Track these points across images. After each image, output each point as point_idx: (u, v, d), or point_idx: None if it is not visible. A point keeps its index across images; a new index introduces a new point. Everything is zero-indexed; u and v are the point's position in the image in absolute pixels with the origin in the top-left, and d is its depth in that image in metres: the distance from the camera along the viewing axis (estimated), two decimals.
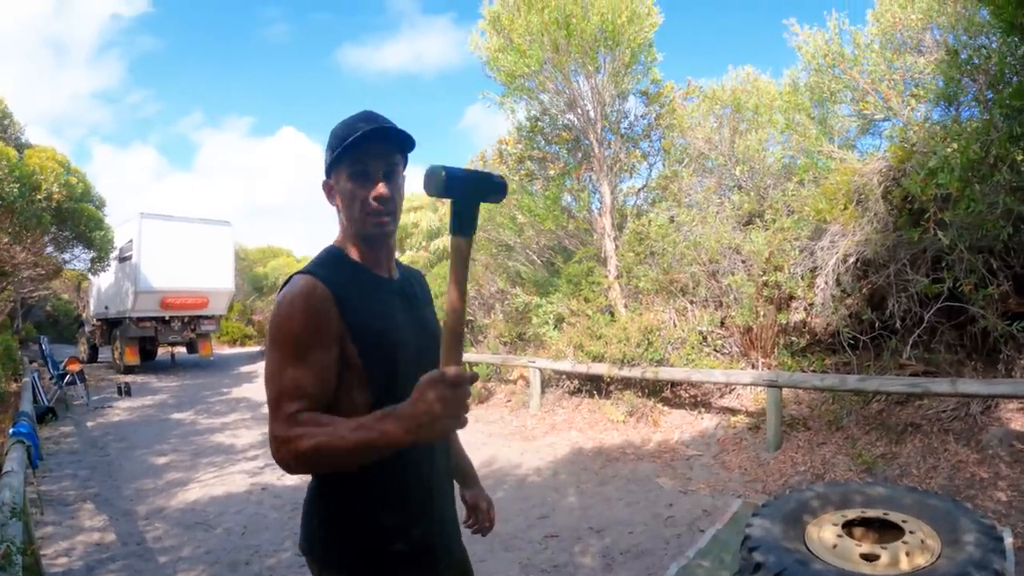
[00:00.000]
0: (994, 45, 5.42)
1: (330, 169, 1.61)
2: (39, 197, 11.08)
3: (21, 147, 12.17)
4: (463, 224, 1.29)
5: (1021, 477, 4.66)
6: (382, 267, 1.68)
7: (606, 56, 8.95)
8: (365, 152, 1.56)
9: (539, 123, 10.18)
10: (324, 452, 1.34)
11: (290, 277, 1.55)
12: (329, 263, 1.60)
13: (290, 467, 1.40)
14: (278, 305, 1.50)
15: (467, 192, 1.30)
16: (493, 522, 2.07)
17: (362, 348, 1.51)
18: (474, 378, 1.27)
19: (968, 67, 5.51)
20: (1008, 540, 3.00)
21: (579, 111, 9.48)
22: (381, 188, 1.57)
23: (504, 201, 10.62)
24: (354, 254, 1.64)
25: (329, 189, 1.65)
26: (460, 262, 1.29)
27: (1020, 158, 4.96)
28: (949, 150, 5.28)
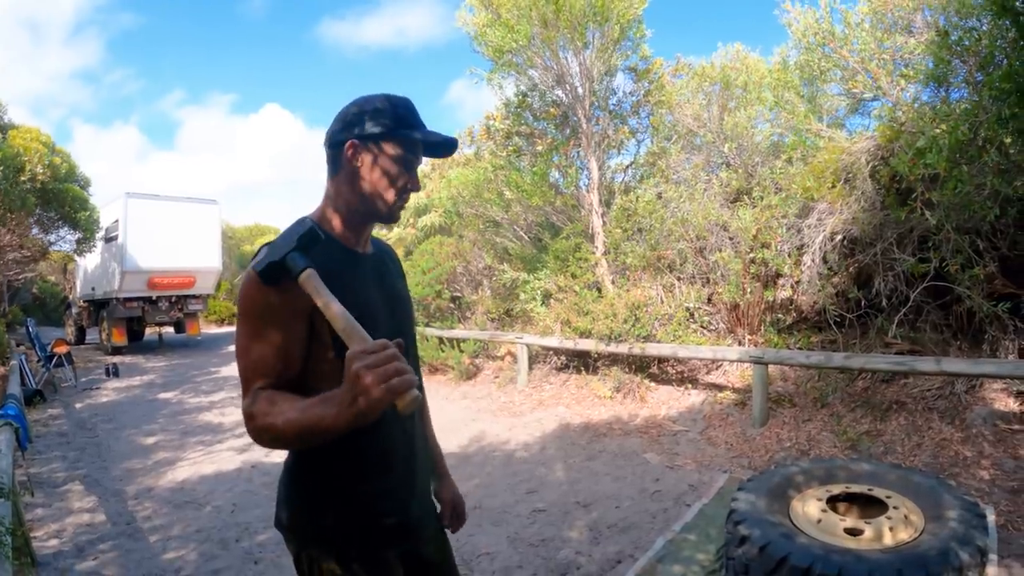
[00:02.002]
0: (985, 27, 5.41)
1: (375, 138, 1.55)
2: (23, 179, 10.99)
3: (4, 128, 12.05)
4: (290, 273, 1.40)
5: (1004, 456, 4.72)
6: (359, 243, 1.66)
7: (595, 32, 8.88)
8: (420, 148, 1.60)
9: (527, 99, 10.11)
10: (272, 433, 1.37)
11: (260, 249, 1.52)
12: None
13: (257, 442, 1.44)
14: (244, 278, 1.49)
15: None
16: (464, 520, 2.04)
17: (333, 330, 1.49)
18: (398, 345, 1.24)
19: (958, 48, 5.50)
20: (991, 517, 3.05)
21: (567, 87, 9.42)
22: (415, 183, 1.61)
23: (492, 177, 10.69)
24: (332, 227, 1.61)
25: (356, 151, 1.56)
26: (313, 291, 1.38)
27: (1008, 140, 4.97)
28: (938, 131, 5.28)
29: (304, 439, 1.35)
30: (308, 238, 1.49)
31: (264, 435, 1.39)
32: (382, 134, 1.54)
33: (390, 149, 1.55)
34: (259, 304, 1.45)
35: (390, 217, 1.62)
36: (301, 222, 1.56)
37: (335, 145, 1.58)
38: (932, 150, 5.19)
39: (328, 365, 1.49)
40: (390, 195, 1.58)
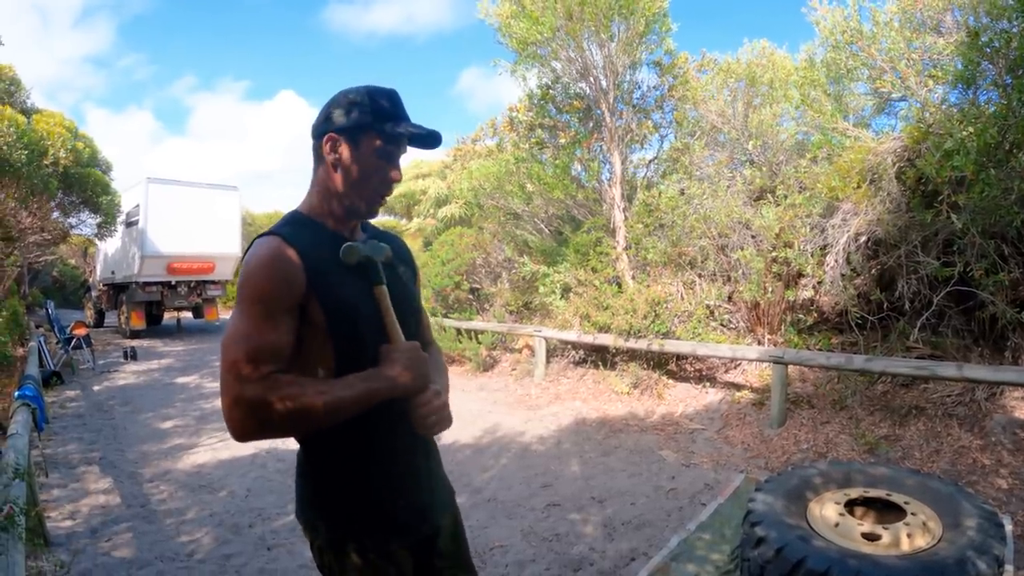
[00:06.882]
0: (1015, 29, 5.31)
1: (353, 131, 1.57)
2: (46, 163, 11.09)
3: (27, 112, 12.16)
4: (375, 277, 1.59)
5: (1023, 465, 4.66)
6: (347, 231, 1.68)
7: (620, 25, 8.81)
8: (400, 141, 1.60)
9: (551, 91, 10.08)
10: (306, 413, 1.41)
11: (255, 238, 1.55)
12: (296, 225, 1.59)
13: (264, 428, 1.42)
14: (246, 266, 1.50)
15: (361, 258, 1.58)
16: (438, 414, 1.59)
17: (327, 312, 1.51)
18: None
19: (988, 50, 5.40)
20: (1008, 527, 3.00)
21: (591, 80, 9.36)
22: (398, 175, 1.62)
23: (514, 169, 10.68)
24: (323, 218, 1.64)
25: (334, 145, 1.59)
26: (385, 308, 1.59)
27: None
28: (965, 133, 5.21)
29: (342, 415, 1.47)
30: (310, 225, 1.61)
31: (281, 420, 1.40)
32: (359, 127, 1.57)
33: (367, 142, 1.57)
34: (267, 285, 1.47)
35: (368, 211, 1.64)
36: (292, 214, 1.65)
37: (316, 137, 1.63)
38: (960, 152, 5.12)
39: (320, 354, 1.54)
40: (365, 187, 1.60)
